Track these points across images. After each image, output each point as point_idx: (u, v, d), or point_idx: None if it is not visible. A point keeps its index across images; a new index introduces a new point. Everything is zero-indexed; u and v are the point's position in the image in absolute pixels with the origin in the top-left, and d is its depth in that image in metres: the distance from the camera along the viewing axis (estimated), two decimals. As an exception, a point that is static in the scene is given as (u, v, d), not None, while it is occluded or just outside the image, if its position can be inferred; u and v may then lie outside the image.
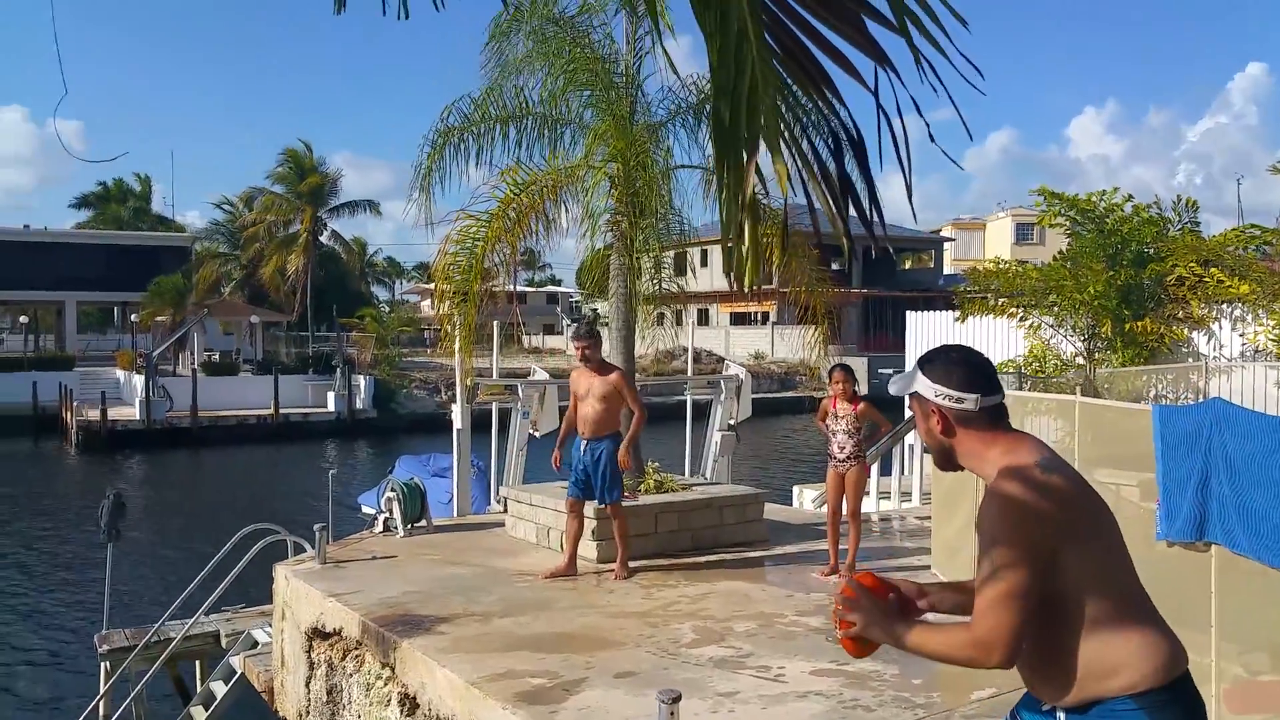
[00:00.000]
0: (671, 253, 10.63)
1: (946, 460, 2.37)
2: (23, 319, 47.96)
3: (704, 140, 9.28)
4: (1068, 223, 16.07)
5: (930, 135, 2.10)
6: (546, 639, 5.84)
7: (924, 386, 2.32)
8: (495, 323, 11.82)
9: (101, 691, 9.34)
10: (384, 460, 23.01)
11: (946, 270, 58.89)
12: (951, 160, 2.10)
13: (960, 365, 2.33)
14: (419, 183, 9.25)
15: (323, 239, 50.60)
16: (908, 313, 24.98)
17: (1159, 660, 2.09)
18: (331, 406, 35.23)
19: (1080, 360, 15.75)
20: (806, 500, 12.80)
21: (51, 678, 11.26)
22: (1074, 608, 2.10)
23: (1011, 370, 15.93)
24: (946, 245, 63.01)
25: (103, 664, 9.45)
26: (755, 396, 13.15)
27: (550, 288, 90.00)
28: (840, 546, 7.42)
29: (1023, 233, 65.45)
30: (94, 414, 31.49)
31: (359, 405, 35.63)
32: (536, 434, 11.29)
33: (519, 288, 73.68)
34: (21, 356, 41.26)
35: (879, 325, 48.33)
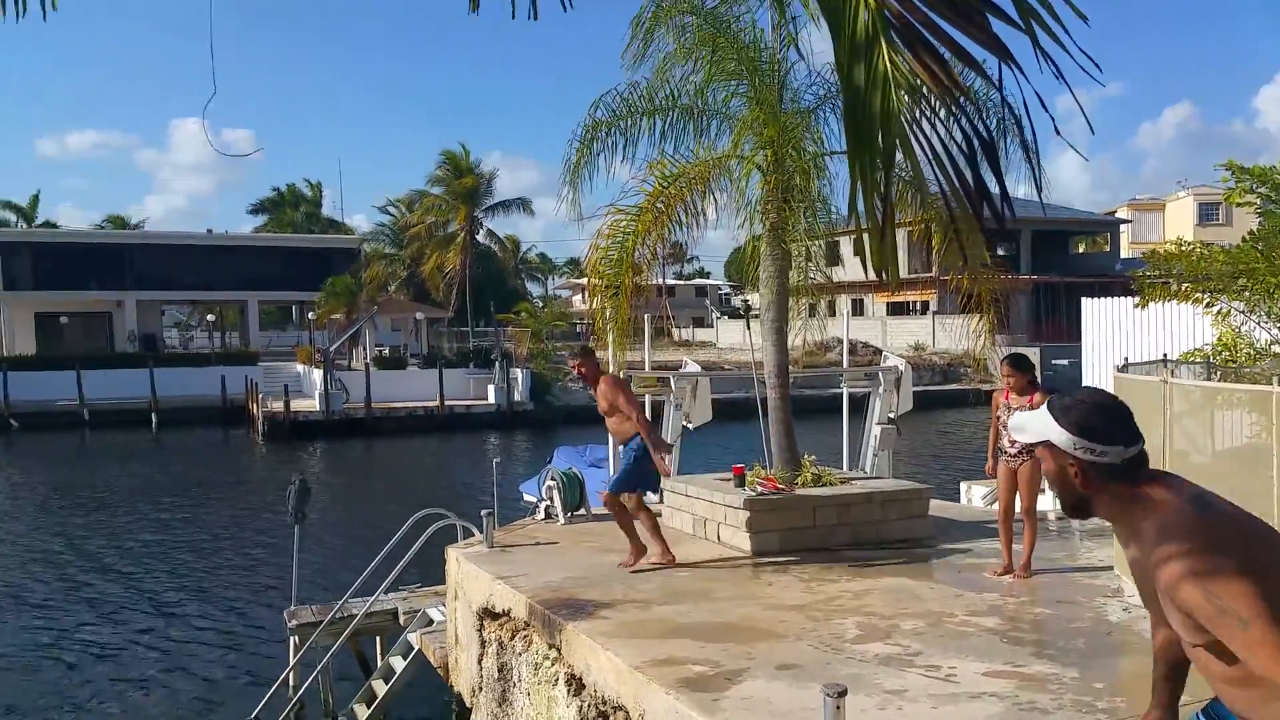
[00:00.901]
0: (823, 241, 10.49)
1: (1081, 510, 2.30)
2: (210, 317, 51.74)
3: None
4: (1258, 200, 14.91)
5: (1055, 128, 2.12)
6: (707, 628, 5.92)
7: (1061, 438, 2.23)
8: (646, 316, 11.98)
9: (291, 663, 10.03)
10: (542, 450, 23.68)
11: (1123, 254, 55.60)
12: (1077, 151, 2.12)
13: (1102, 414, 2.25)
14: (568, 178, 9.47)
15: (479, 237, 52.35)
16: (1082, 299, 23.76)
17: None
18: (491, 399, 36.46)
19: (1277, 349, 14.62)
20: (975, 497, 12.40)
21: (247, 649, 12.14)
22: None
23: (1199, 359, 14.94)
24: (1123, 227, 59.53)
25: (292, 638, 10.14)
26: (915, 389, 12.82)
27: (699, 280, 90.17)
28: (1015, 546, 7.16)
29: (1206, 213, 61.22)
30: (277, 406, 33.64)
31: (517, 398, 36.73)
32: (690, 426, 11.42)
33: (668, 281, 74.33)
34: (210, 353, 44.63)
35: (1051, 313, 46.07)
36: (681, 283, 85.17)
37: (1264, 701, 2.04)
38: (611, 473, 11.00)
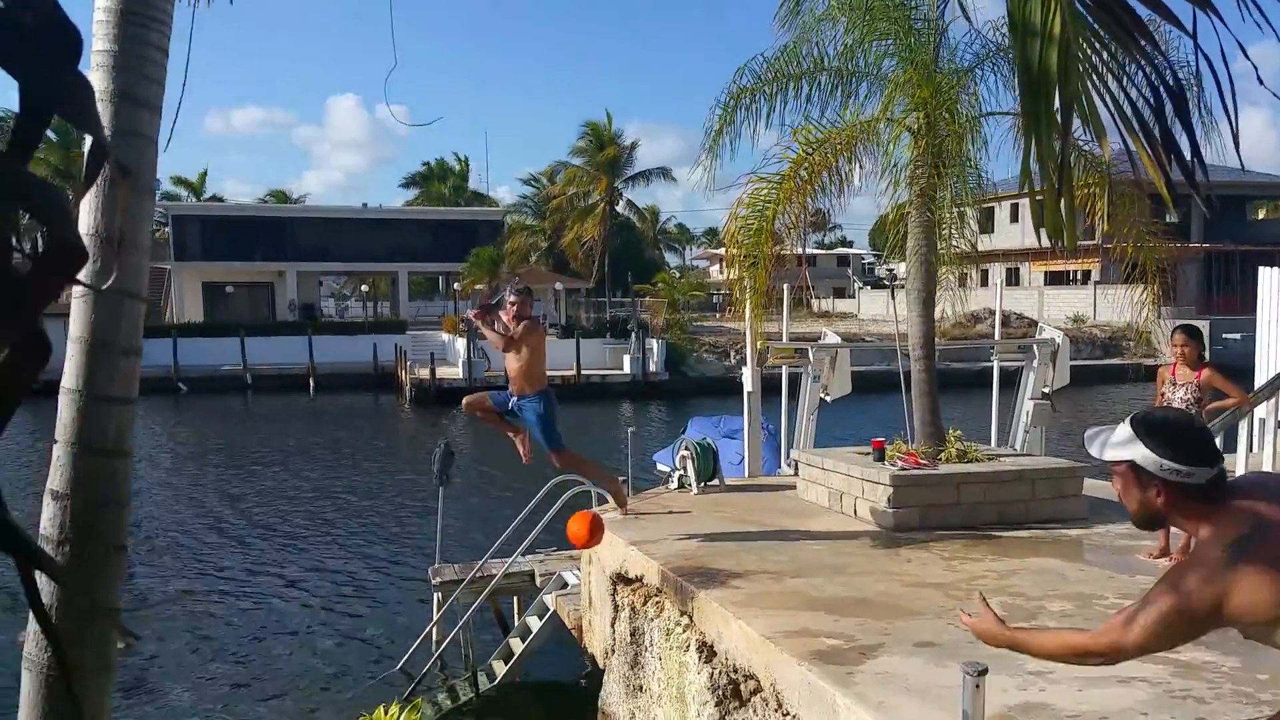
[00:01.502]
0: (975, 208, 10.06)
1: (1153, 524, 2.40)
2: (364, 288, 54.06)
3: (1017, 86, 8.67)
4: None
5: (1259, 78, 1.93)
6: (841, 602, 5.79)
7: (1147, 460, 2.28)
8: (785, 286, 11.77)
9: (434, 619, 10.42)
10: (676, 421, 23.79)
11: (1310, 221, 51.41)
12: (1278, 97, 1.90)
13: (1189, 437, 2.30)
14: (709, 145, 9.32)
15: (618, 208, 52.73)
16: (1260, 269, 22.07)
17: None
18: (627, 369, 36.84)
19: None
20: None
21: (393, 603, 12.69)
22: None
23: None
24: (1311, 192, 55.04)
25: (435, 594, 10.52)
26: (1073, 363, 12.20)
27: (841, 250, 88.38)
28: (1172, 529, 6.72)
29: (1406, 176, 55.83)
30: (424, 373, 34.95)
31: (652, 368, 36.99)
32: (828, 399, 11.19)
33: (808, 250, 73.08)
34: (363, 321, 46.69)
35: (1224, 284, 43.08)
36: (823, 252, 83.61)
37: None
38: (745, 446, 10.91)
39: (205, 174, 65.60)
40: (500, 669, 9.51)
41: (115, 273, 1.55)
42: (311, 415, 33.73)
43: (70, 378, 1.49)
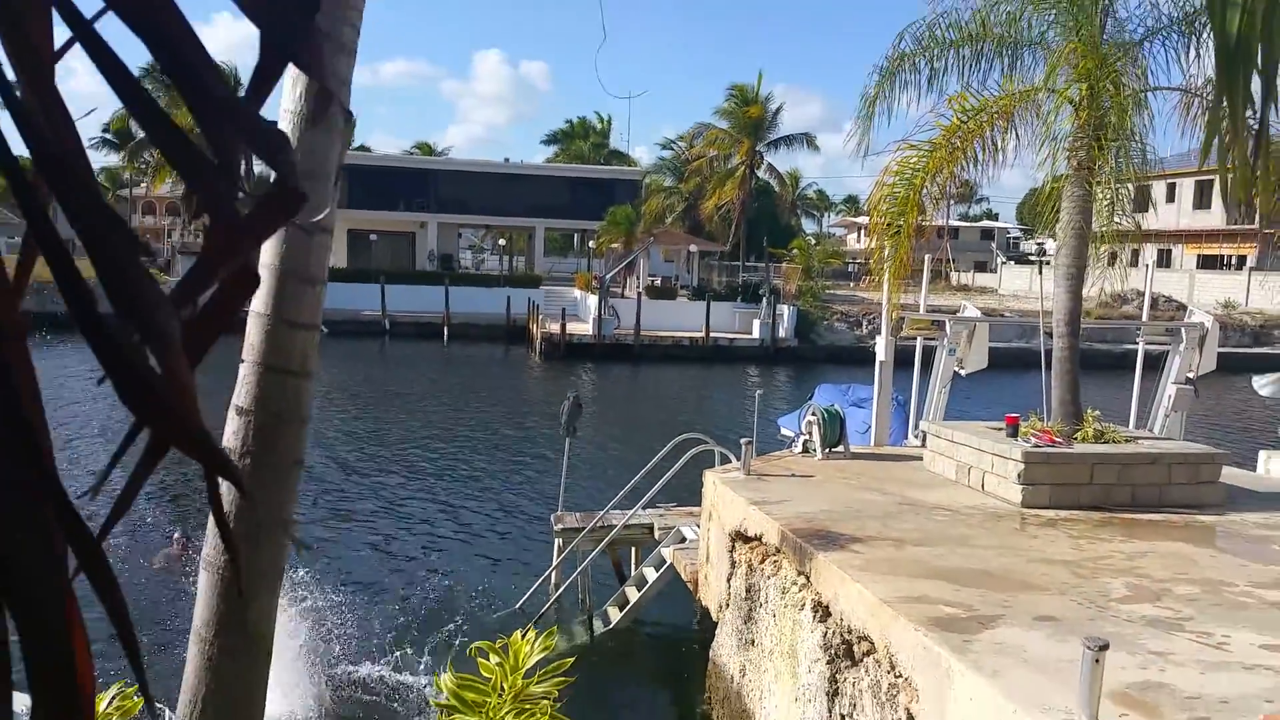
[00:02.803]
0: (1133, 184, 9.64)
1: None
2: (501, 242, 55.32)
3: (1189, 60, 8.23)
4: None
5: None
6: (963, 573, 5.76)
7: None
8: (925, 257, 11.54)
9: (554, 563, 10.78)
10: (802, 387, 23.64)
11: None
12: None
13: None
14: (865, 112, 9.22)
15: (758, 172, 52.19)
16: None
17: None
18: (756, 334, 36.68)
19: None
20: (1276, 468, 11.15)
21: (515, 546, 13.17)
22: None
23: None
24: None
25: (556, 540, 10.89)
26: (1220, 350, 11.60)
27: (985, 222, 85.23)
28: None
29: None
30: (555, 328, 35.66)
31: (781, 334, 36.72)
32: (962, 372, 10.96)
33: (952, 222, 70.68)
34: (498, 275, 47.86)
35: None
36: (966, 224, 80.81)
37: None
38: (873, 415, 10.83)
39: (354, 124, 67.97)
40: (615, 615, 9.79)
41: (329, 209, 1.69)
42: (445, 362, 34.92)
43: (260, 302, 1.63)
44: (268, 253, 1.64)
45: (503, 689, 1.99)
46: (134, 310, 0.73)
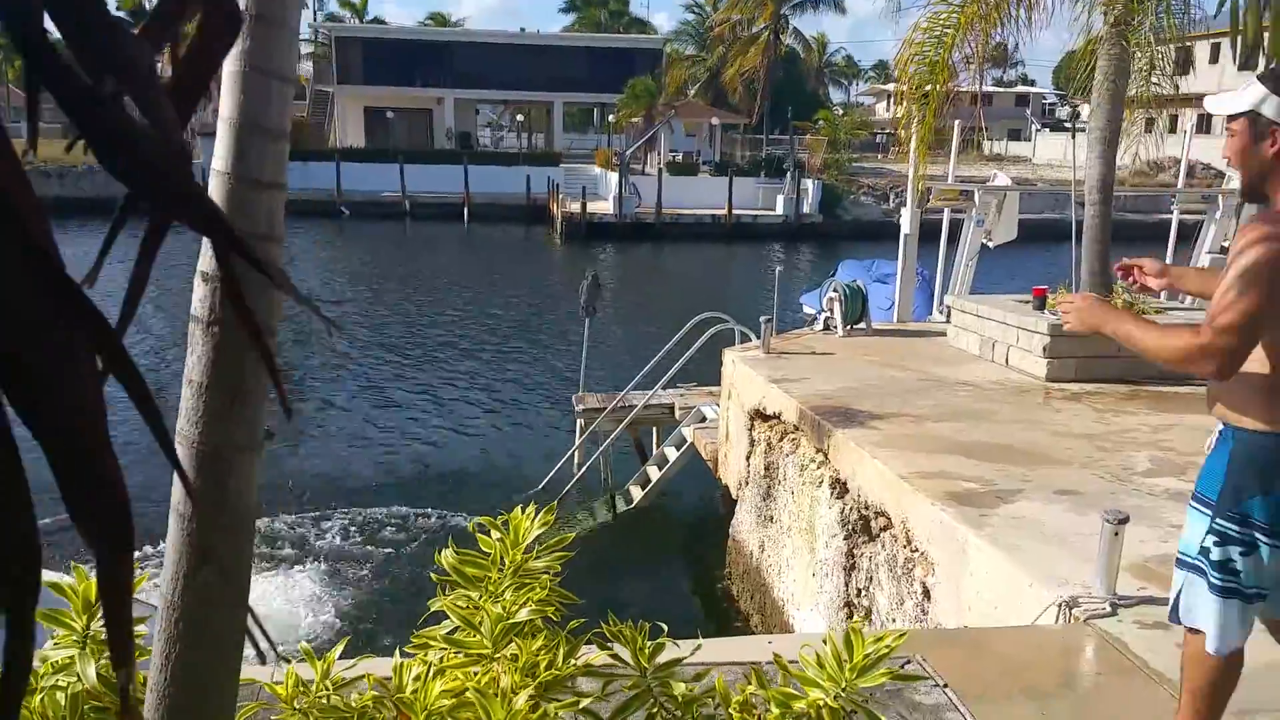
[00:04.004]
0: (1173, 45, 9.14)
1: (1255, 190, 2.37)
2: (519, 118, 54.17)
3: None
4: None
5: None
6: (983, 447, 5.70)
7: (1272, 105, 2.26)
8: (955, 124, 11.10)
9: (577, 443, 10.86)
10: (825, 264, 23.30)
11: None
12: None
13: None
14: None
15: (783, 38, 50.38)
16: None
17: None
18: (779, 210, 36.03)
19: None
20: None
21: (537, 426, 13.28)
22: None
23: None
24: None
25: (578, 420, 10.93)
26: (1260, 218, 11.20)
27: (1020, 89, 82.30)
28: None
29: None
30: (575, 207, 35.18)
31: (805, 209, 36.06)
32: (990, 244, 10.67)
33: (985, 88, 68.28)
34: (517, 153, 47.02)
35: None
36: (1000, 90, 78.05)
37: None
38: (897, 291, 10.63)
39: (366, -5, 65.86)
40: (637, 494, 9.89)
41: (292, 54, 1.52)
42: (465, 244, 34.72)
43: (220, 160, 1.50)
44: (226, 106, 1.49)
45: (503, 563, 1.94)
46: (107, 56, 0.63)
